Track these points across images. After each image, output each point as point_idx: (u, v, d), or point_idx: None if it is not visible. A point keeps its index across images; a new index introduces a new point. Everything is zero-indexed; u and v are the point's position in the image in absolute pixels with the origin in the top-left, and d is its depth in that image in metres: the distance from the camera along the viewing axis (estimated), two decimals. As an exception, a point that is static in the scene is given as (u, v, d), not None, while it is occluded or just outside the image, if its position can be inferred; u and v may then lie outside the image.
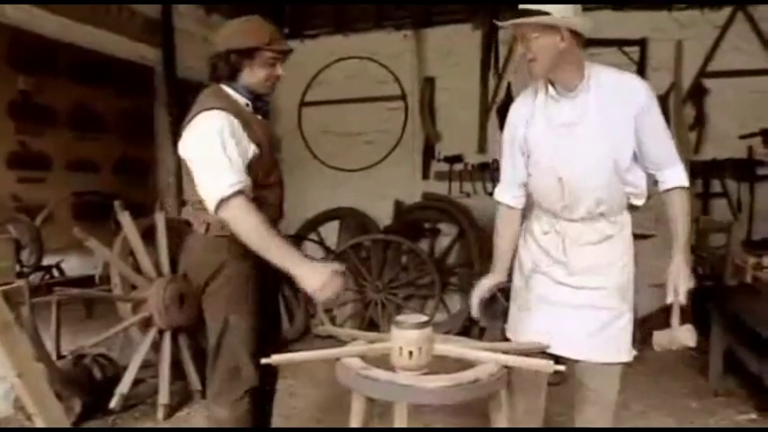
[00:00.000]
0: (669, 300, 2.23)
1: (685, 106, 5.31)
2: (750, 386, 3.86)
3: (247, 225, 2.09)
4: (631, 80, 2.22)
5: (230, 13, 5.69)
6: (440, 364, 1.89)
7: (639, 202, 2.29)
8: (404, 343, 1.83)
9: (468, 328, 5.32)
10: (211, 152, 2.11)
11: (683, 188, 2.22)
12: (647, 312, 5.26)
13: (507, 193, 2.45)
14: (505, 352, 1.97)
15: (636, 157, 2.20)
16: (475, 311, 2.48)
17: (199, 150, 2.17)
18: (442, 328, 4.72)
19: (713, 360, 3.95)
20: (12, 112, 3.67)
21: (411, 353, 1.82)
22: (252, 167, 2.22)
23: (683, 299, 2.21)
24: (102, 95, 4.35)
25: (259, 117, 2.39)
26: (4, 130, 3.62)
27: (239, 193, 2.09)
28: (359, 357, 1.92)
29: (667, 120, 5.42)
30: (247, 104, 2.34)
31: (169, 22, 4.90)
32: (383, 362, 1.88)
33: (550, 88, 2.22)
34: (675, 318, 2.24)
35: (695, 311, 4.63)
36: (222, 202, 2.08)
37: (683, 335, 2.22)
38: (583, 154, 2.17)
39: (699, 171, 5.24)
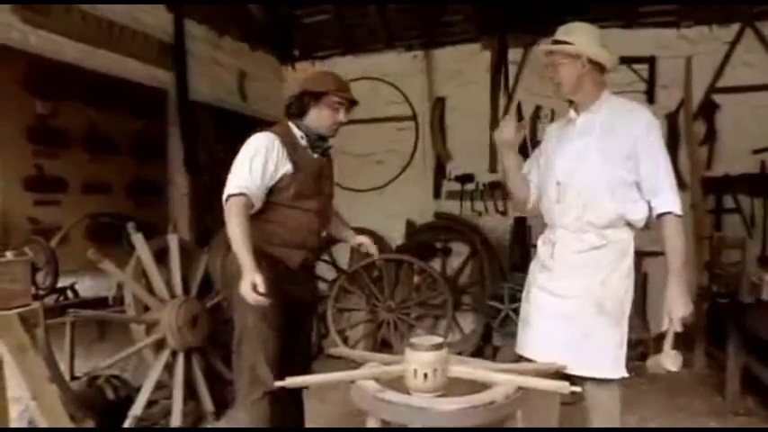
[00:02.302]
0: (664, 327, 2.34)
1: (696, 122, 5.29)
2: (769, 405, 3.80)
3: (231, 222, 2.42)
4: (637, 109, 2.45)
5: (242, 36, 5.81)
6: (455, 386, 1.89)
7: (638, 224, 2.40)
8: (418, 365, 1.82)
9: (481, 348, 5.29)
10: (240, 161, 2.51)
11: (674, 215, 2.32)
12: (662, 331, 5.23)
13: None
14: (521, 373, 1.96)
15: (638, 185, 2.37)
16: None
17: (236, 159, 2.54)
18: (454, 349, 4.69)
19: (730, 379, 3.90)
20: (29, 136, 3.72)
21: (426, 375, 1.81)
22: (283, 185, 2.57)
23: (677, 326, 2.30)
24: (115, 118, 4.40)
25: (310, 151, 2.71)
26: (22, 154, 3.67)
27: (241, 195, 2.45)
28: (373, 380, 1.91)
29: (677, 137, 5.47)
30: (302, 137, 2.69)
31: (182, 45, 4.97)
32: (398, 384, 1.88)
33: (572, 112, 2.54)
34: (668, 344, 2.32)
35: (711, 329, 4.63)
36: (228, 198, 2.45)
37: (667, 360, 2.29)
38: (580, 161, 2.42)
39: (711, 187, 5.22)
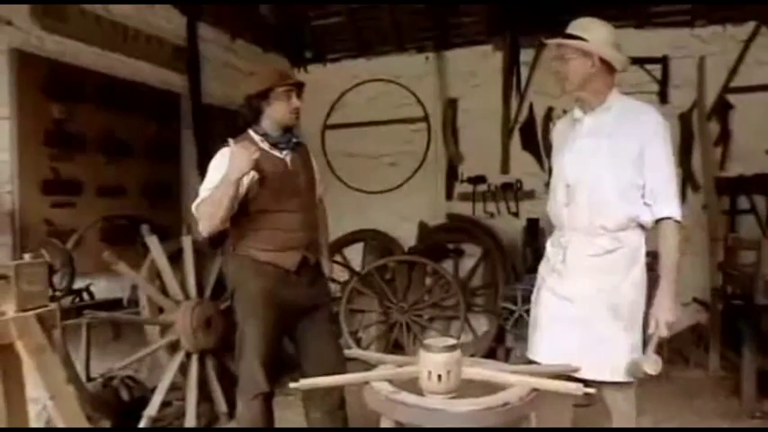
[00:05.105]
0: (651, 331, 2.31)
1: (709, 123, 5.26)
2: (786, 408, 3.76)
3: (203, 209, 2.55)
4: (647, 111, 2.38)
5: (254, 39, 5.84)
6: (468, 388, 1.89)
7: (648, 225, 2.35)
8: (432, 367, 1.82)
9: (494, 350, 5.27)
10: (208, 176, 2.62)
11: (673, 221, 2.28)
12: (676, 331, 5.19)
13: None
14: (534, 375, 1.95)
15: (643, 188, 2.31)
16: None
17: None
18: (467, 350, 4.69)
19: (746, 381, 3.86)
20: (46, 139, 3.77)
21: (440, 376, 1.81)
22: (255, 192, 2.60)
23: (662, 331, 2.28)
24: (129, 121, 4.44)
25: (276, 152, 2.72)
26: (39, 158, 3.72)
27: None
28: (387, 381, 1.91)
29: (691, 137, 5.42)
30: (262, 140, 2.70)
31: (195, 48, 5.01)
32: (412, 386, 1.88)
33: (577, 111, 2.46)
34: (651, 348, 2.29)
35: (726, 331, 4.59)
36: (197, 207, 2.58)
37: (647, 364, 2.25)
38: (589, 164, 2.35)
39: (725, 188, 5.19)
